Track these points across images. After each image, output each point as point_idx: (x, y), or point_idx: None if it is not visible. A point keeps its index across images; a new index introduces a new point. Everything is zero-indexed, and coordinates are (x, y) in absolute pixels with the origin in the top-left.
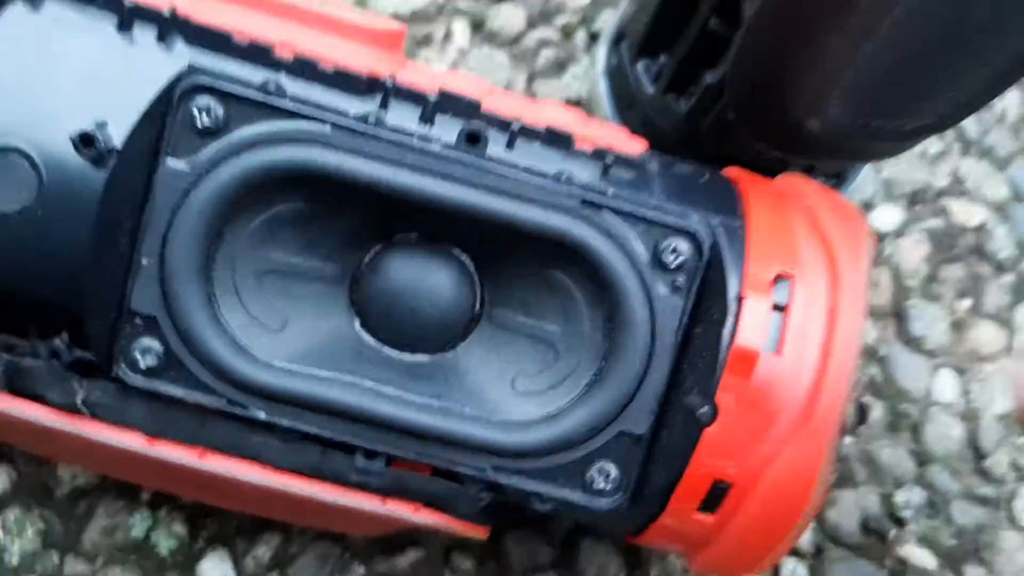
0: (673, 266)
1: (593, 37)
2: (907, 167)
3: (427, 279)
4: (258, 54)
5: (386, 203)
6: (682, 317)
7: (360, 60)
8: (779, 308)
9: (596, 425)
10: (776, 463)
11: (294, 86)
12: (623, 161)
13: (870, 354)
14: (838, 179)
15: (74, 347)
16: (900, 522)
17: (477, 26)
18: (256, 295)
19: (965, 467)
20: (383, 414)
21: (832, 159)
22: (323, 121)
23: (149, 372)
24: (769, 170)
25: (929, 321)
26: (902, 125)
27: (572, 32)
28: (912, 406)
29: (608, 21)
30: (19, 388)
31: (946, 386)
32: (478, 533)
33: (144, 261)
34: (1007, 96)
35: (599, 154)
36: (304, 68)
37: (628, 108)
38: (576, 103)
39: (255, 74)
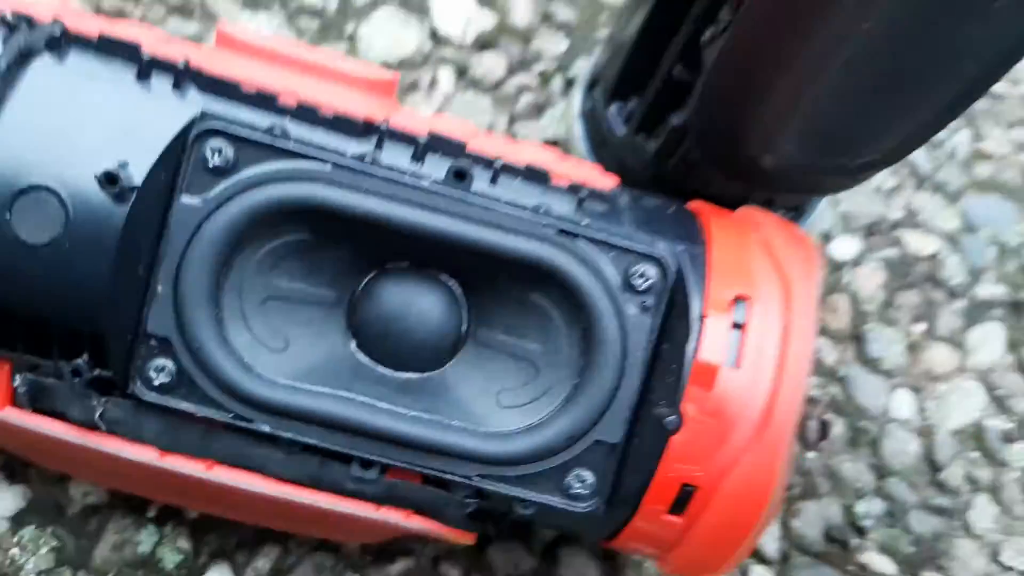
0: (642, 289)
1: (569, 83)
2: (864, 200)
3: (417, 303)
4: (264, 101)
5: (381, 234)
6: (651, 335)
7: (357, 106)
8: (738, 326)
9: (574, 434)
10: (738, 467)
11: (297, 129)
12: (596, 195)
13: (831, 374)
14: (797, 212)
15: (94, 366)
16: (861, 531)
17: (461, 73)
18: (261, 318)
19: (922, 479)
20: (377, 426)
21: (789, 193)
22: (324, 161)
23: (162, 389)
24: (731, 203)
25: (886, 344)
26: (851, 161)
27: (549, 78)
28: (871, 423)
29: (582, 68)
30: (42, 406)
31: (903, 404)
32: (465, 539)
33: (160, 288)
34: (957, 134)
35: (574, 189)
36: (306, 113)
37: (601, 147)
38: (554, 143)
39: (262, 119)
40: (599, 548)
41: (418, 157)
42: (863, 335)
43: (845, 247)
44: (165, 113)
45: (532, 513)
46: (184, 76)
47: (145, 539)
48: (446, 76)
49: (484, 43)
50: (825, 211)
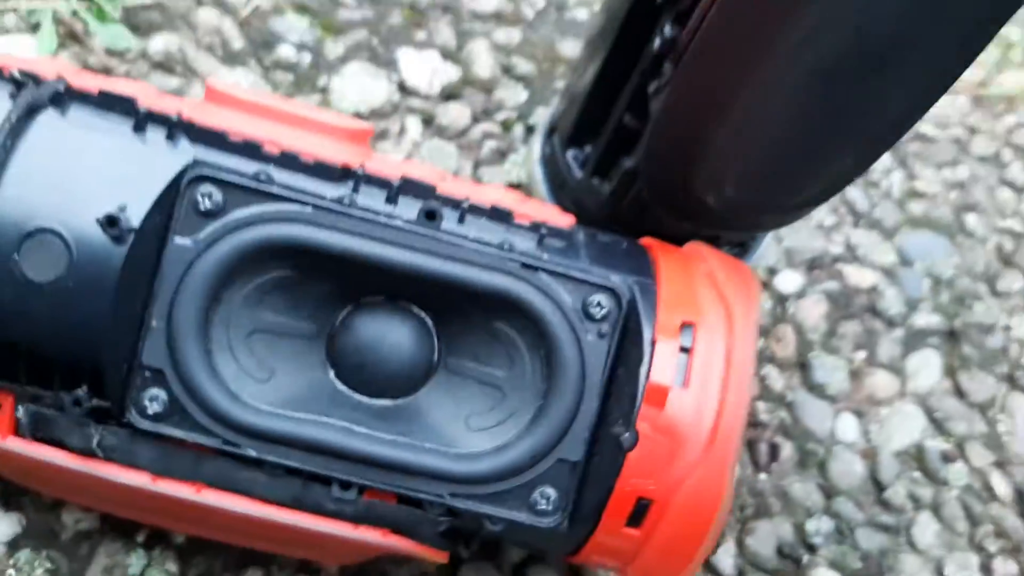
0: (598, 317)
1: (529, 130)
2: (806, 237)
3: (391, 335)
4: (250, 149)
5: (358, 270)
6: (607, 359)
7: (335, 153)
8: (685, 350)
9: (538, 454)
10: (689, 480)
11: (281, 175)
12: (555, 232)
13: (779, 399)
14: (742, 248)
15: (92, 396)
16: (812, 548)
17: (428, 121)
18: (246, 350)
19: (867, 498)
20: (355, 449)
21: (733, 230)
22: (305, 203)
23: (156, 417)
24: (680, 240)
25: (830, 370)
26: (788, 199)
27: (511, 126)
28: (818, 445)
29: (542, 116)
30: (43, 435)
31: (848, 427)
32: (439, 558)
33: (154, 322)
34: (892, 174)
35: (535, 227)
36: (289, 160)
37: (560, 189)
38: (516, 186)
39: (248, 166)
40: (564, 565)
41: (392, 199)
42: (808, 362)
43: (789, 280)
44: (160, 161)
45: (501, 530)
46: (177, 127)
47: (135, 562)
48: (414, 125)
49: (449, 94)
50: (770, 247)
